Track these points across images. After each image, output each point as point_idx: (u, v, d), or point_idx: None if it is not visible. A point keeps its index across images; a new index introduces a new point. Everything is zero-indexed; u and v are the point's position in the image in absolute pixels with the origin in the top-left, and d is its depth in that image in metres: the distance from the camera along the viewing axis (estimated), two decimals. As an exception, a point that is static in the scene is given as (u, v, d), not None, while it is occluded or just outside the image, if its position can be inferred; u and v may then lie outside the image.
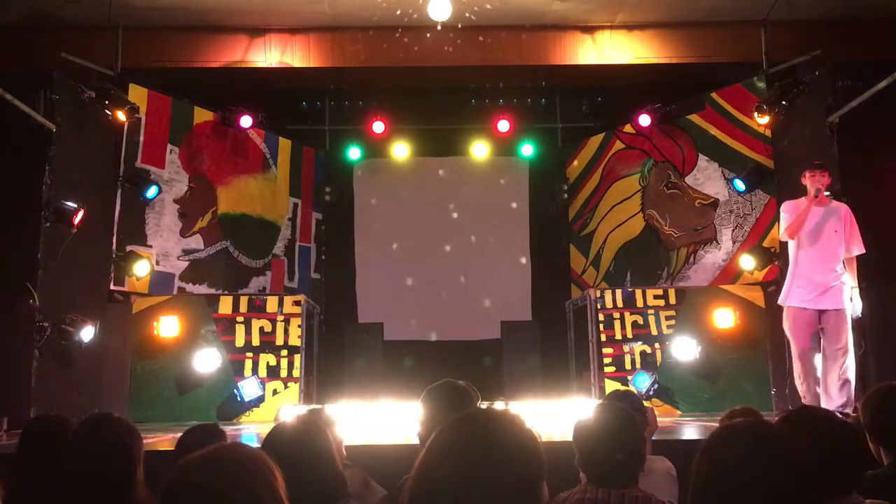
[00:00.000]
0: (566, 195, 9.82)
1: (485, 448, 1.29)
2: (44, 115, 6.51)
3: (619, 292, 7.42)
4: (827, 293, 5.49)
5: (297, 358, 7.20)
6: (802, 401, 5.54)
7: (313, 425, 2.22)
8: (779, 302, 5.80)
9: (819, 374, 5.53)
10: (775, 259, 7.43)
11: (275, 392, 7.11)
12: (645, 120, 8.63)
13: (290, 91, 9.29)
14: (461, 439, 1.32)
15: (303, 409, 3.74)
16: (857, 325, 6.46)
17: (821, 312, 5.52)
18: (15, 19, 7.29)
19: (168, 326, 7.14)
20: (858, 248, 5.61)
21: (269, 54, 8.04)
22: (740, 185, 7.84)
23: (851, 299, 5.53)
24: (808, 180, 5.59)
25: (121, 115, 7.24)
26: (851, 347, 5.48)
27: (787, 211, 5.71)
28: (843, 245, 5.57)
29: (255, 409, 7.06)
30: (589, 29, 8.11)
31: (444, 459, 1.30)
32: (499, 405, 5.26)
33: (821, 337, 5.55)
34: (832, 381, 5.41)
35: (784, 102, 7.21)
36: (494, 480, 1.26)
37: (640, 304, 7.30)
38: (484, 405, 2.73)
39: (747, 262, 7.67)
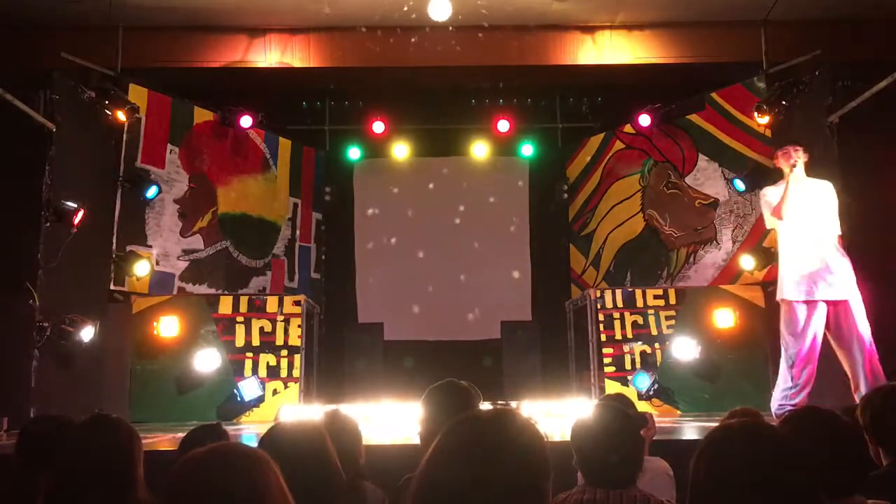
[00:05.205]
0: (566, 195, 9.82)
1: (491, 449, 1.29)
2: (44, 115, 6.50)
3: (619, 292, 7.42)
4: (823, 281, 5.21)
5: (297, 358, 7.20)
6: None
7: (311, 425, 2.22)
8: (777, 298, 5.53)
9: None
10: (775, 259, 7.40)
11: (275, 392, 7.11)
12: (645, 120, 8.63)
13: (290, 91, 9.28)
14: (467, 440, 1.32)
15: (320, 412, 3.70)
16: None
17: (818, 304, 5.22)
18: (15, 19, 7.28)
19: (168, 326, 7.14)
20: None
21: (269, 54, 8.03)
22: (740, 185, 7.83)
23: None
24: (781, 159, 5.47)
25: (121, 115, 7.23)
26: (866, 337, 5.10)
27: (768, 193, 5.57)
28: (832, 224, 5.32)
29: (254, 409, 7.07)
30: (589, 29, 8.10)
31: (449, 460, 1.30)
32: (513, 406, 5.24)
33: (826, 333, 5.24)
34: (861, 376, 5.03)
35: (784, 102, 7.20)
36: (500, 482, 1.26)
37: (640, 304, 7.31)
38: (487, 406, 2.73)
39: (747, 262, 7.67)
